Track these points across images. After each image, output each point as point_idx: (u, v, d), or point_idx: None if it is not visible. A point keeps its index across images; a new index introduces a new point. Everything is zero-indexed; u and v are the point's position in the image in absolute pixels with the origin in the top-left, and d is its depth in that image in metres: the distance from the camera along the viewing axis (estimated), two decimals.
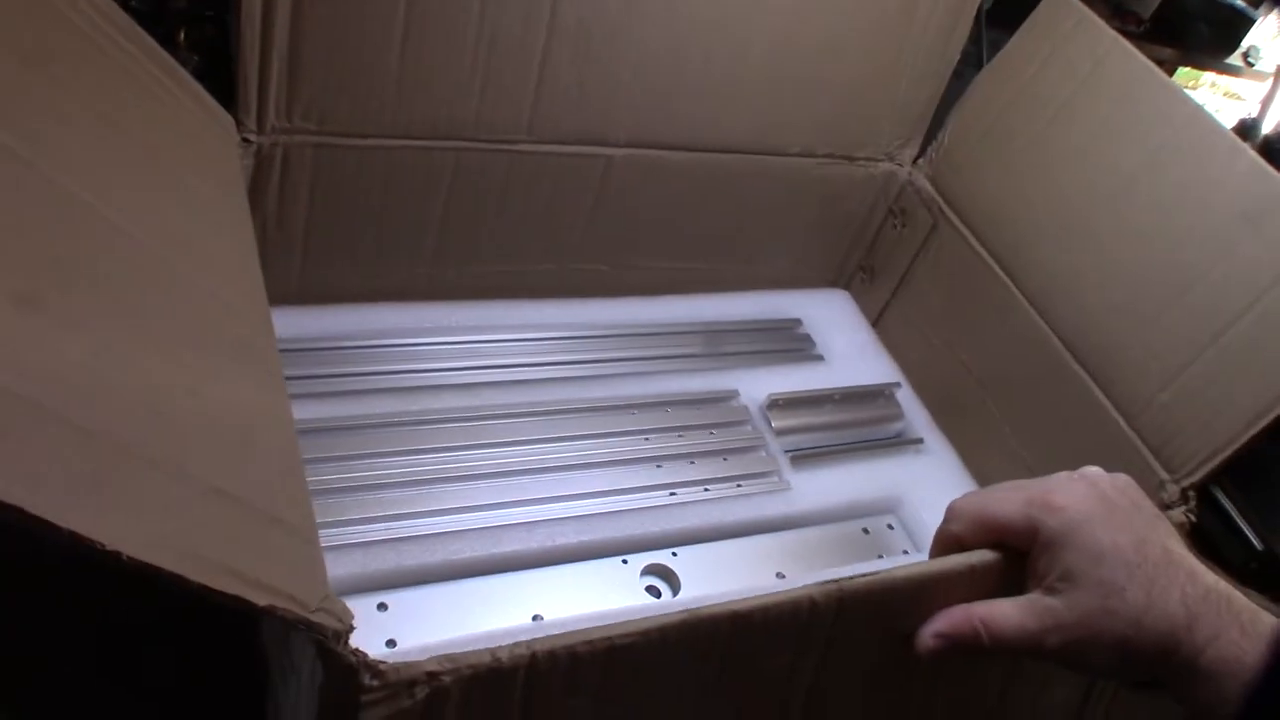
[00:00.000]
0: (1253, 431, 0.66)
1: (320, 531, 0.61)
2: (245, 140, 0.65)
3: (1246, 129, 1.46)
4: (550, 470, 0.71)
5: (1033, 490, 0.53)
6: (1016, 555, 0.52)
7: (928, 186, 0.90)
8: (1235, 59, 1.51)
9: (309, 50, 0.64)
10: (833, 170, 0.88)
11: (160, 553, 0.33)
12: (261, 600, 0.36)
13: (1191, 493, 0.68)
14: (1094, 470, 0.54)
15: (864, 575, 0.49)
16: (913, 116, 0.89)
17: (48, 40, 0.48)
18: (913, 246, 0.91)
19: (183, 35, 0.86)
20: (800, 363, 0.89)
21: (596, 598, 0.65)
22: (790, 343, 0.91)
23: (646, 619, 0.45)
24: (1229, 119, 1.49)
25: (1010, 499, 0.53)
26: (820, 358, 0.90)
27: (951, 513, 0.55)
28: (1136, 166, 0.75)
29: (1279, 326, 0.67)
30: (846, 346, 0.92)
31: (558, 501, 0.69)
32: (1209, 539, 0.80)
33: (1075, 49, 0.79)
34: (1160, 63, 0.77)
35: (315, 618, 0.39)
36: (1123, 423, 0.72)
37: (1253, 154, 0.70)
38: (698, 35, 0.75)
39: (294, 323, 0.73)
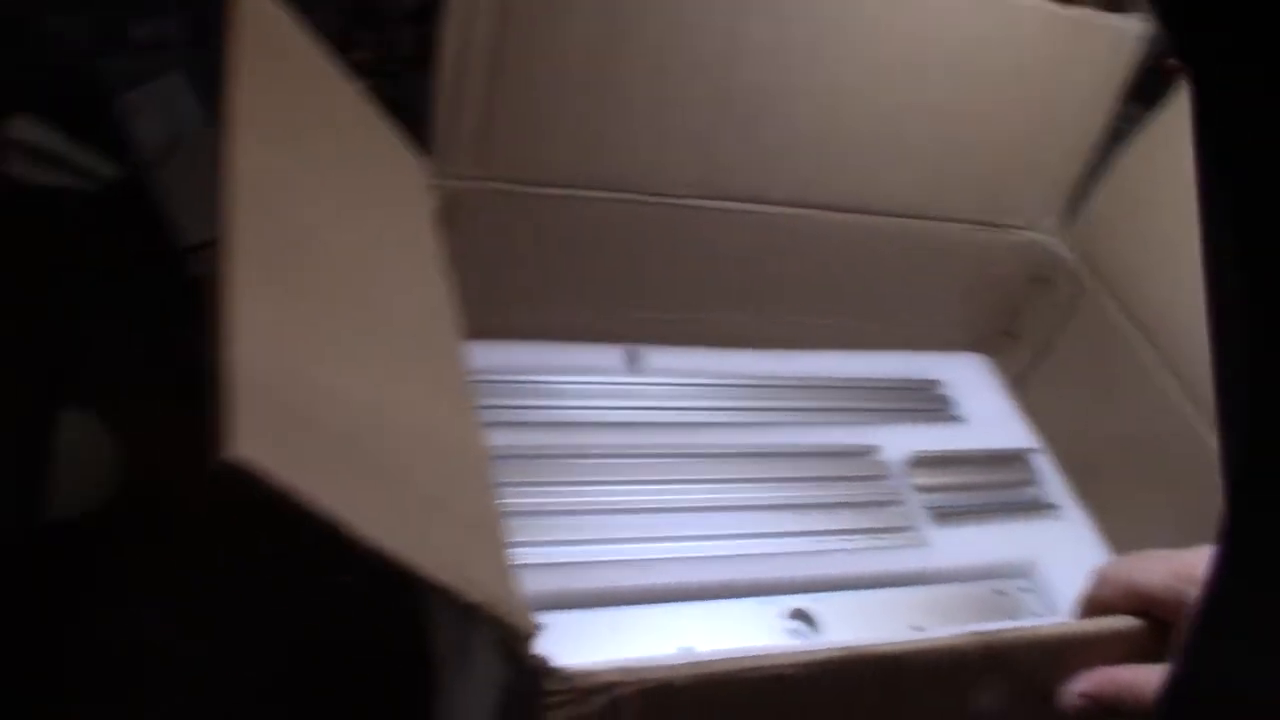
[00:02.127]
0: None
1: None
2: (434, 184, 0.70)
3: None
4: (700, 510, 0.74)
5: (1179, 562, 0.53)
6: (1160, 624, 0.53)
7: (1074, 255, 0.91)
8: None
9: (500, 103, 0.69)
10: (979, 236, 0.90)
11: (395, 544, 0.37)
12: (470, 596, 0.40)
13: None
14: None
15: (1011, 629, 0.51)
16: (1061, 185, 0.90)
17: (296, 89, 0.53)
18: (1056, 314, 0.93)
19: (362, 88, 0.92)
20: (939, 422, 0.91)
21: (741, 635, 0.68)
22: (929, 403, 0.92)
23: (808, 652, 0.47)
24: None
25: (1157, 569, 0.54)
26: (959, 419, 0.92)
27: (1098, 577, 0.56)
28: None
29: None
30: (985, 409, 0.93)
31: (706, 540, 0.72)
32: None
33: None
34: None
35: (512, 619, 0.42)
36: None
37: None
38: (854, 102, 0.78)
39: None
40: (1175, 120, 0.84)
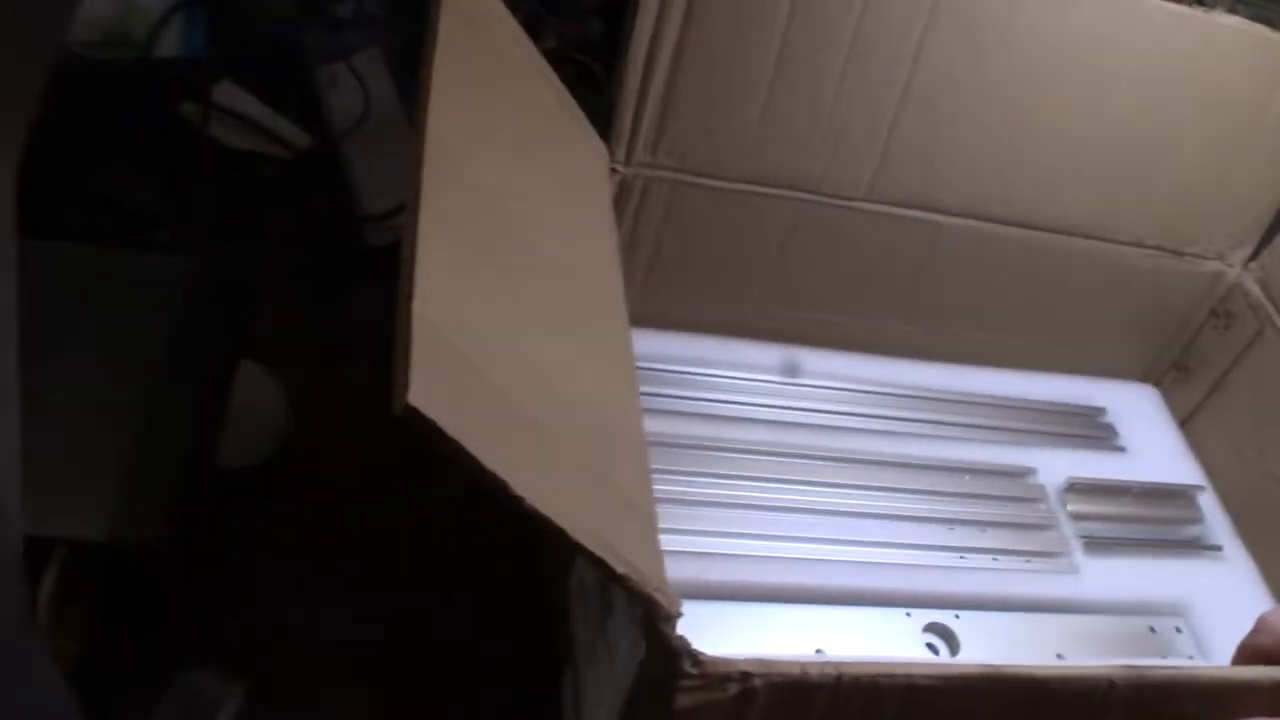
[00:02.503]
0: None
1: None
2: (612, 170, 0.72)
3: None
4: (846, 515, 0.74)
5: None
6: None
7: (1257, 290, 0.87)
8: None
9: (682, 95, 0.70)
10: (1159, 263, 0.87)
11: (552, 509, 0.38)
12: (619, 568, 0.41)
13: None
14: None
15: (1166, 667, 0.49)
16: (1251, 218, 0.87)
17: (494, 67, 0.55)
18: (1233, 350, 0.89)
19: None
20: (1100, 451, 0.88)
21: (876, 643, 0.67)
22: (1092, 430, 0.90)
23: (948, 666, 0.47)
24: None
25: None
26: (1122, 449, 0.89)
27: (1261, 625, 0.54)
28: None
29: None
30: (1150, 442, 0.90)
31: (849, 545, 0.72)
32: None
33: None
34: None
35: (657, 596, 0.43)
36: None
37: None
38: (1039, 119, 0.77)
39: None
40: None
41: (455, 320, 0.40)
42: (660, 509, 0.68)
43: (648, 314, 0.79)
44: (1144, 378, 0.96)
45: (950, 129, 0.76)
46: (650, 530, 0.47)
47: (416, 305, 0.37)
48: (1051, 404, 0.90)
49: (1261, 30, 0.78)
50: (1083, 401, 0.92)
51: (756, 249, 0.79)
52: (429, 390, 0.34)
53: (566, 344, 0.49)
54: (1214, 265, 0.89)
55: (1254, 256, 0.89)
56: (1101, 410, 0.92)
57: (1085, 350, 0.93)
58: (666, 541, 0.66)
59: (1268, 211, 0.87)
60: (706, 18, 0.68)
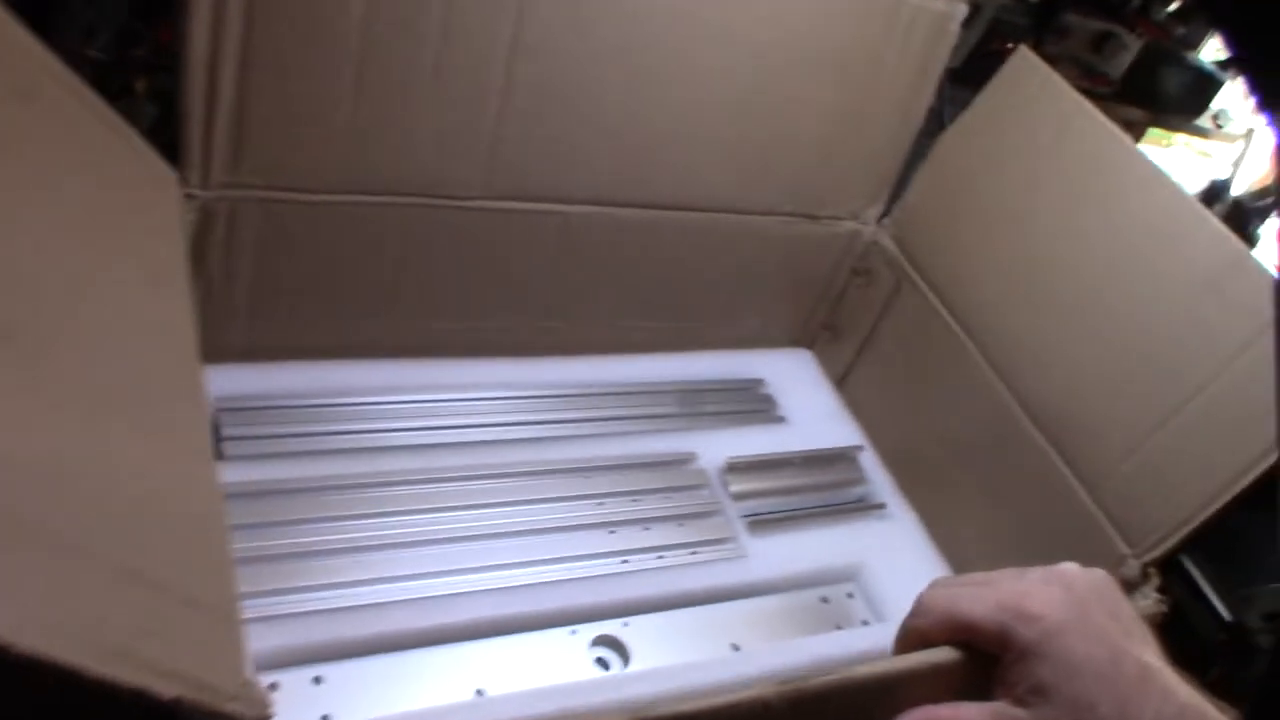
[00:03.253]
0: (1216, 506, 0.65)
1: (253, 601, 0.59)
2: (190, 195, 0.63)
3: (1217, 190, 1.47)
4: (498, 536, 0.69)
5: (1006, 593, 0.50)
6: (983, 656, 0.50)
7: (891, 246, 0.89)
8: (1205, 121, 1.52)
9: (256, 104, 0.62)
10: (796, 229, 0.87)
11: (56, 643, 0.31)
12: (170, 691, 0.34)
13: (1152, 570, 0.66)
14: (1070, 569, 0.52)
15: (822, 676, 0.47)
16: (877, 175, 0.88)
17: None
18: (876, 307, 0.90)
19: (141, 85, 0.85)
20: (762, 424, 0.87)
21: (543, 671, 0.63)
22: (752, 403, 0.89)
23: (589, 716, 0.43)
24: (1202, 178, 1.50)
25: (982, 599, 0.50)
26: (782, 419, 0.89)
27: (919, 607, 0.53)
28: (1100, 231, 0.74)
29: (1243, 396, 0.65)
30: (809, 408, 0.90)
31: (505, 569, 0.67)
32: (1177, 609, 0.78)
33: (1040, 110, 0.79)
34: (1130, 124, 0.76)
35: (229, 707, 0.37)
36: (1083, 493, 0.71)
37: (1215, 220, 0.69)
38: (659, 94, 0.74)
39: (238, 381, 0.71)
40: (991, 105, 0.82)
41: None
42: (279, 567, 0.62)
43: (260, 346, 0.71)
44: (797, 343, 0.97)
45: (563, 114, 0.72)
46: (222, 623, 0.40)
47: None
48: (709, 383, 0.89)
49: None
50: (741, 375, 0.91)
51: (372, 261, 0.72)
52: None
53: (95, 417, 0.41)
54: (849, 225, 0.90)
55: (886, 214, 0.90)
56: (760, 382, 0.91)
57: (737, 323, 0.92)
58: (292, 603, 0.60)
59: (892, 169, 0.88)
60: (270, 16, 0.60)
